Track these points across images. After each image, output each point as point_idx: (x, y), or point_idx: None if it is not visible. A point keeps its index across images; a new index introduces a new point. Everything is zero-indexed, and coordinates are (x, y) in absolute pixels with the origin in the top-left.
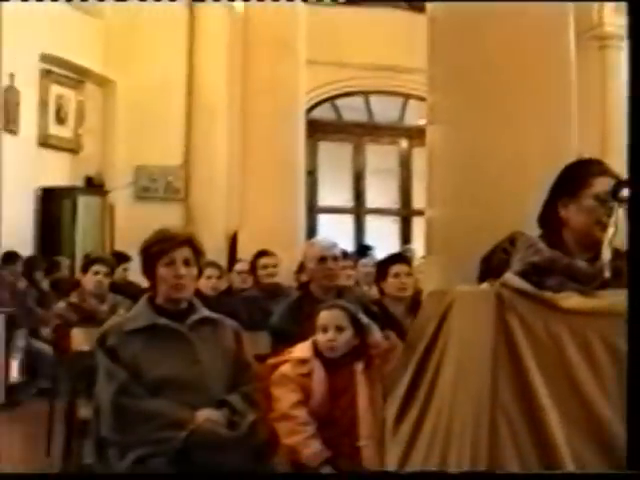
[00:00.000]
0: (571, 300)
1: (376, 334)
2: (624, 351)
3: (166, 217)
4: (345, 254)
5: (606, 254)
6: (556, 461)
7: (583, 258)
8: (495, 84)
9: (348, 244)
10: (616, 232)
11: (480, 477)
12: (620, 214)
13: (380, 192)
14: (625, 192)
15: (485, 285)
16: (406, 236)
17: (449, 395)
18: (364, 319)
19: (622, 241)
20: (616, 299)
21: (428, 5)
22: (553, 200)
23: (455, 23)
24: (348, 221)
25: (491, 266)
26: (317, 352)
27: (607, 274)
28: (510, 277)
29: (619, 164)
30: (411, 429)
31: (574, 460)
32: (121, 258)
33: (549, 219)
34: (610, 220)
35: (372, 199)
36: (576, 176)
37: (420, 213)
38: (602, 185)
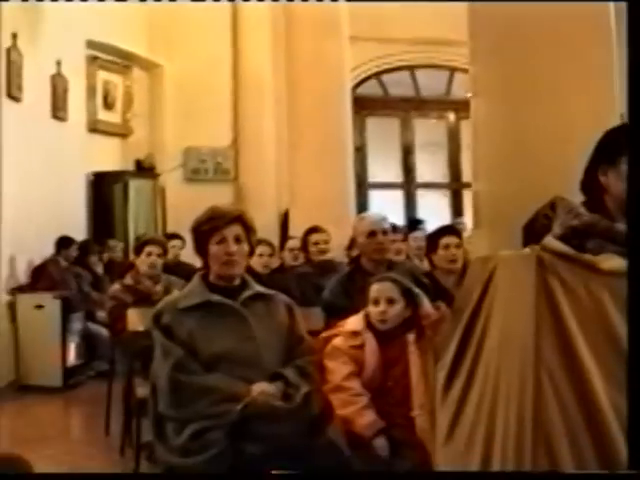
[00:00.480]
0: (611, 262)
1: (427, 305)
2: None
3: (217, 198)
4: (395, 228)
5: None
6: (599, 420)
7: (624, 221)
8: (536, 56)
9: (399, 219)
10: None
11: (481, 477)
12: None
13: (429, 166)
14: None
15: (527, 250)
16: (457, 209)
17: (495, 357)
18: (415, 289)
19: None
20: None
21: None
22: (593, 167)
23: None
24: (399, 196)
25: (533, 232)
26: (369, 324)
27: None
28: (550, 240)
29: None
30: (460, 394)
31: (618, 419)
32: (175, 239)
33: (590, 185)
34: None
35: (422, 173)
36: (614, 143)
37: (470, 186)
38: None
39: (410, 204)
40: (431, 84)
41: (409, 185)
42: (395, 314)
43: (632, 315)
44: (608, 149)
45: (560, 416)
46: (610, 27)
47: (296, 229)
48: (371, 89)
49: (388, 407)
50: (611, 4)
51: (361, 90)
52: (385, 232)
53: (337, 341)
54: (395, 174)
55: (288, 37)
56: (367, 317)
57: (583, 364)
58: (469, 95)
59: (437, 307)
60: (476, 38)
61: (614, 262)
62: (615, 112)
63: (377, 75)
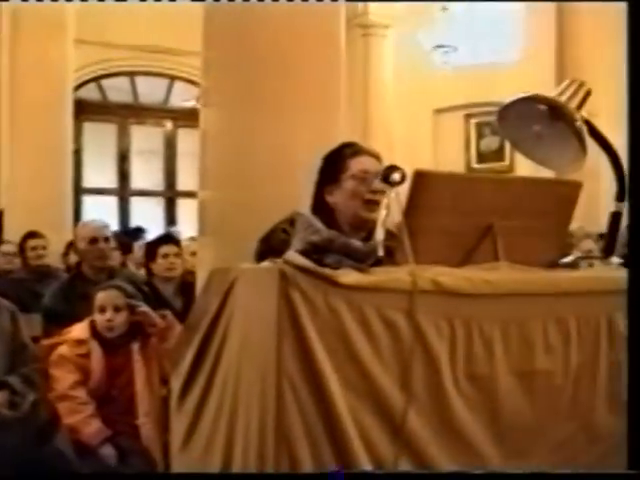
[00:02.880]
0: (349, 276)
1: (150, 315)
2: (397, 321)
3: None
4: (117, 235)
5: (379, 234)
6: (339, 427)
7: (358, 238)
8: (268, 70)
9: (113, 225)
10: (388, 214)
11: (481, 477)
12: (392, 197)
13: (145, 173)
14: (396, 176)
15: (267, 263)
16: (171, 217)
17: (234, 367)
18: (140, 305)
19: (393, 222)
20: (389, 276)
21: None
22: (320, 189)
23: (230, 8)
24: (113, 202)
25: (271, 245)
26: (95, 332)
27: (380, 253)
28: (292, 255)
29: (383, 152)
30: (197, 402)
31: (356, 426)
32: None
33: (320, 207)
34: (382, 203)
35: (137, 180)
36: (333, 162)
37: (185, 194)
38: (357, 164)
39: (124, 211)
40: (150, 91)
41: (124, 191)
42: (121, 322)
43: (631, 316)
44: (330, 169)
45: (300, 421)
46: (341, 54)
47: (11, 232)
48: (90, 93)
49: (114, 415)
50: (343, 32)
51: (80, 94)
52: (107, 239)
53: (63, 349)
54: (110, 180)
55: (12, 37)
56: (92, 325)
57: (321, 371)
58: (189, 104)
59: (163, 316)
60: (210, 49)
61: (351, 277)
62: (338, 132)
63: (97, 79)
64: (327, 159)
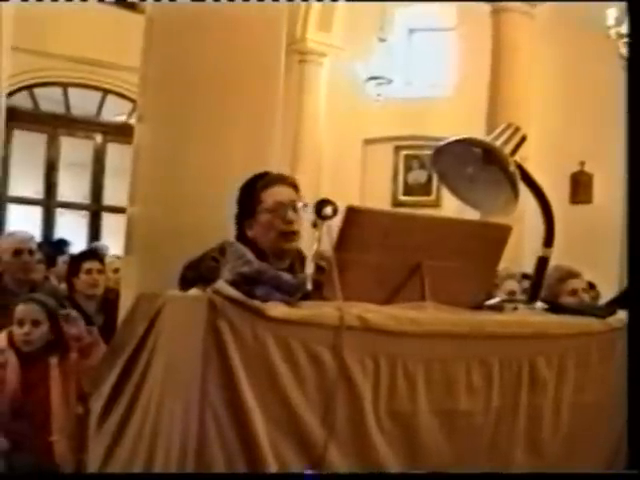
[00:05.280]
0: (277, 309)
1: (81, 327)
2: (322, 356)
3: None
4: (41, 247)
5: (309, 268)
6: (259, 459)
7: (280, 267)
8: (205, 90)
9: (37, 236)
10: (319, 247)
11: (479, 477)
12: (323, 231)
13: (72, 186)
14: (328, 210)
15: (195, 291)
16: (95, 232)
17: (158, 393)
18: (73, 313)
19: (322, 254)
20: (317, 311)
21: (147, 5)
22: (240, 223)
23: (173, 27)
24: (37, 213)
25: (201, 273)
26: (12, 344)
27: (309, 286)
28: (222, 285)
29: (311, 178)
30: (117, 425)
31: (276, 458)
32: None
33: (242, 239)
34: (314, 235)
35: (63, 192)
36: (248, 196)
37: (111, 209)
38: (270, 197)
39: (49, 222)
40: (82, 103)
41: (49, 202)
42: (39, 336)
43: (631, 316)
44: (246, 203)
45: (221, 451)
46: (280, 80)
47: None
48: (21, 101)
49: (29, 431)
50: (282, 58)
51: (11, 101)
52: (31, 251)
53: None
54: (36, 190)
55: None
56: (11, 336)
57: (245, 402)
58: (120, 118)
59: (90, 331)
60: (149, 66)
61: (279, 310)
62: (272, 155)
63: (30, 88)
64: (242, 192)
